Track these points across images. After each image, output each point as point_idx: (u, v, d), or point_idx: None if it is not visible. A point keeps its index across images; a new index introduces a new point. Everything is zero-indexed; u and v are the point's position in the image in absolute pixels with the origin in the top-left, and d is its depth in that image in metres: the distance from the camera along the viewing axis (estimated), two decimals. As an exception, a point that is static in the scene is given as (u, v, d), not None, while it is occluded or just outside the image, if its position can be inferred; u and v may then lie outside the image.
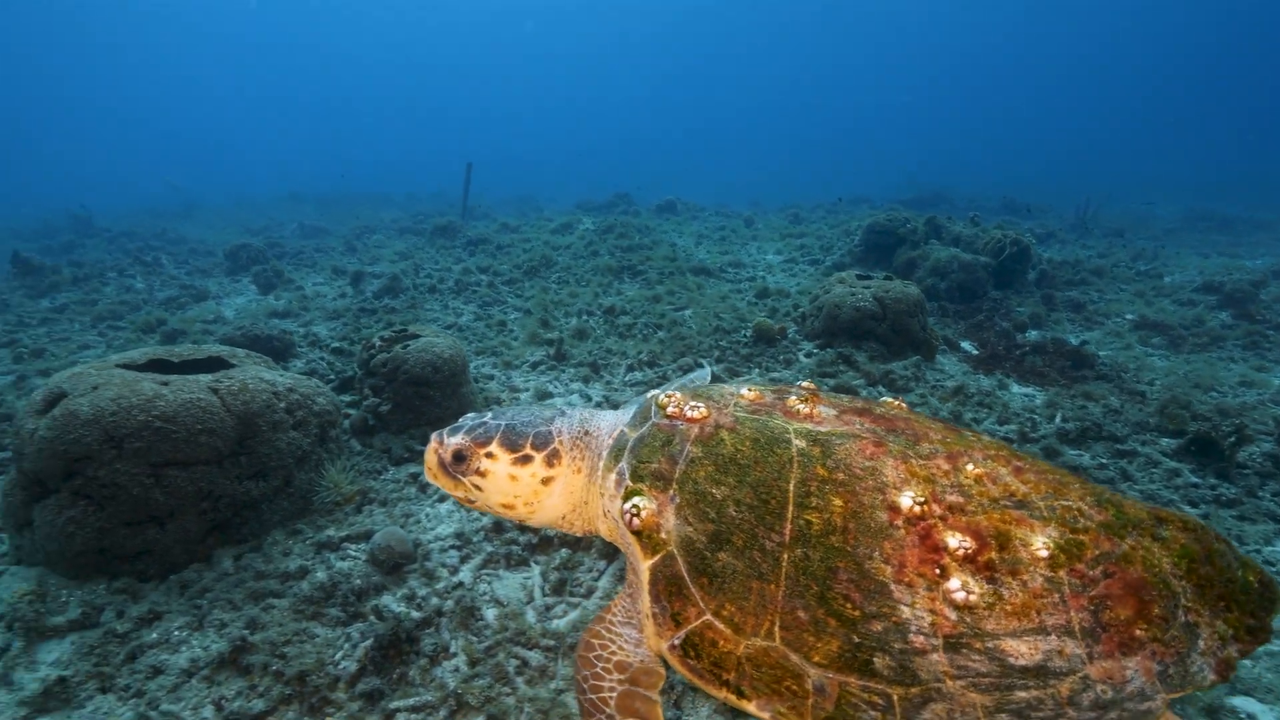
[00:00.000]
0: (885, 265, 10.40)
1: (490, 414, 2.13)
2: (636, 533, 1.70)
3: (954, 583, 1.47)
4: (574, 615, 3.49)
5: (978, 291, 9.57)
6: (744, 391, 2.02)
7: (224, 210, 23.84)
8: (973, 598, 1.46)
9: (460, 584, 3.71)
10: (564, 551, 3.92)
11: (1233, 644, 1.52)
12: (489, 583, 3.74)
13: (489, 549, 3.99)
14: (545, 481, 2.04)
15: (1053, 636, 1.45)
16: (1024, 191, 24.13)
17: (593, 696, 1.74)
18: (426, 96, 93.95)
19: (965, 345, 7.56)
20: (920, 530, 1.53)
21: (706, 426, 1.83)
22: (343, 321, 8.42)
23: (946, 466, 1.67)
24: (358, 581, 3.65)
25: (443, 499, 4.61)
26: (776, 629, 1.51)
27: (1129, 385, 6.53)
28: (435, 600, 3.57)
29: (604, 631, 1.84)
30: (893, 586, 1.49)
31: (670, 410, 1.92)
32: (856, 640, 1.46)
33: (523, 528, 4.21)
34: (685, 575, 1.60)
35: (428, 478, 2.12)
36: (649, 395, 2.16)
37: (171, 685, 3.06)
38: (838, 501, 1.59)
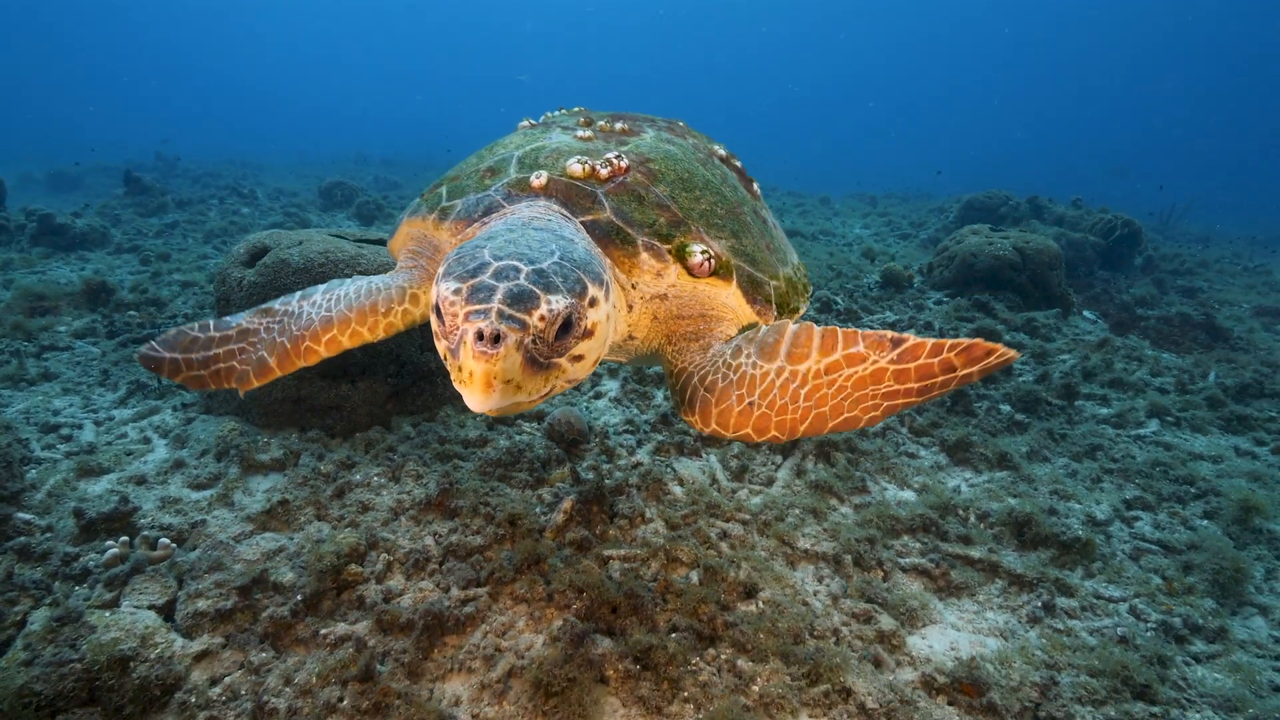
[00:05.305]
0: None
1: (485, 257, 1.41)
2: (715, 272, 1.85)
3: (754, 187, 2.50)
4: (759, 500, 3.48)
5: (1084, 271, 9.32)
6: (582, 134, 2.22)
7: (293, 166, 24.27)
8: (750, 192, 2.45)
9: (640, 463, 3.72)
10: (737, 444, 3.91)
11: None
12: (668, 465, 3.74)
13: (659, 438, 4.00)
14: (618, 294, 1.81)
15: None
16: (1091, 198, 23.28)
17: (770, 382, 1.66)
18: (467, 63, 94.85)
19: (1087, 314, 7.36)
20: (730, 165, 2.47)
21: (639, 170, 2.00)
22: (453, 250, 8.50)
23: (682, 130, 2.59)
24: (540, 451, 3.68)
25: (597, 395, 4.63)
26: (775, 260, 2.14)
27: (1270, 359, 6.29)
28: (619, 474, 3.59)
29: (721, 367, 1.74)
30: (742, 205, 2.20)
31: (604, 173, 1.94)
32: (764, 245, 2.16)
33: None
34: (749, 270, 1.96)
35: (495, 402, 1.30)
36: (523, 181, 1.92)
37: (382, 520, 3.11)
38: (721, 170, 2.26)
